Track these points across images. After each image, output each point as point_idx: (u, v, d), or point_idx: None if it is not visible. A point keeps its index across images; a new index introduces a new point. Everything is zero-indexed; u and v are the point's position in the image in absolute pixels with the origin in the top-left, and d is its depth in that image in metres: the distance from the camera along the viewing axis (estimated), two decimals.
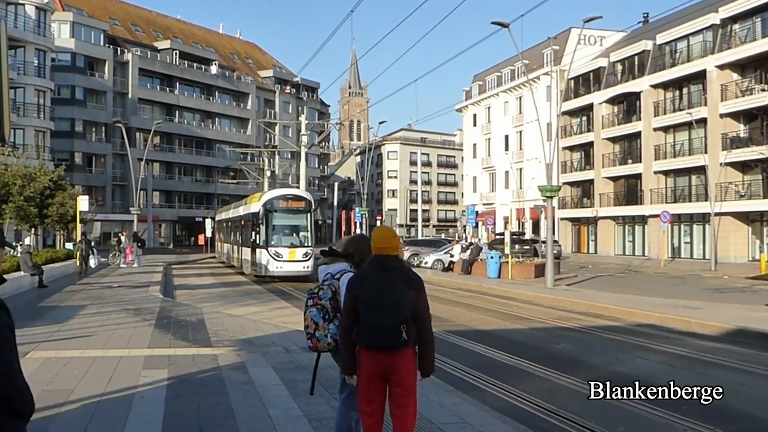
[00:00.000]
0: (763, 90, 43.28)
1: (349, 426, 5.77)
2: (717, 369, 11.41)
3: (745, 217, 45.35)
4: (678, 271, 38.51)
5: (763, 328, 14.52)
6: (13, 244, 31.95)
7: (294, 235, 30.12)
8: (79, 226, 35.46)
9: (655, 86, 52.71)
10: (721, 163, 44.58)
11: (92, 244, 34.99)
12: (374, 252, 5.32)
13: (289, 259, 28.76)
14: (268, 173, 55.43)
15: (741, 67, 46.03)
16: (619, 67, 58.23)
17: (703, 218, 47.25)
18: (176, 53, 78.98)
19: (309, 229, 30.30)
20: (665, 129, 52.39)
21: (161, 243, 76.66)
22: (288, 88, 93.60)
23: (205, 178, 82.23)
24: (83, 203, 34.84)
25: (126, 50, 73.42)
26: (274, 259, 28.80)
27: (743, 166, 44.78)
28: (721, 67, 46.23)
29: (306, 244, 29.70)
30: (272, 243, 29.21)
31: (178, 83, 78.38)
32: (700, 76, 48.43)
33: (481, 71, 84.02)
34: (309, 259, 28.96)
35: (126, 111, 71.68)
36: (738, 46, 45.41)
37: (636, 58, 55.78)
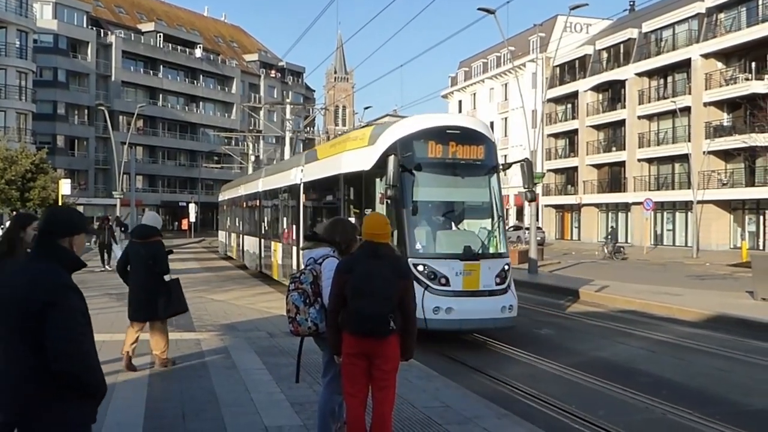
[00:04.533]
0: (747, 79, 43.51)
1: (333, 410, 5.79)
2: (697, 354, 11.54)
3: (727, 205, 45.70)
4: (660, 258, 38.78)
5: (742, 315, 14.67)
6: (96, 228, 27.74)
7: (466, 226, 13.25)
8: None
9: (640, 74, 52.87)
10: (704, 152, 44.85)
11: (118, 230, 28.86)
12: (365, 238, 5.33)
13: (465, 288, 11.96)
14: (252, 158, 55.26)
15: (725, 56, 46.23)
16: (605, 54, 58.34)
17: (686, 206, 47.54)
18: (160, 36, 78.25)
19: (496, 210, 13.20)
20: (649, 117, 52.60)
21: None
22: (273, 72, 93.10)
23: (188, 163, 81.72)
24: (65, 187, 34.59)
25: (109, 32, 72.66)
26: (430, 290, 11.67)
27: (726, 155, 45.05)
28: (706, 56, 46.43)
29: (495, 248, 12.76)
30: (418, 249, 12.19)
31: (162, 66, 77.69)
32: (684, 65, 48.62)
33: (467, 57, 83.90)
34: (507, 285, 12.32)
35: (109, 94, 71.01)
36: (723, 35, 45.58)
37: (621, 46, 55.89)
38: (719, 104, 46.11)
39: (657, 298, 17.55)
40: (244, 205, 29.18)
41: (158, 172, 78.88)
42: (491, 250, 12.44)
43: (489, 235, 12.56)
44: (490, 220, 13.02)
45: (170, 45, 79.01)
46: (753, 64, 43.57)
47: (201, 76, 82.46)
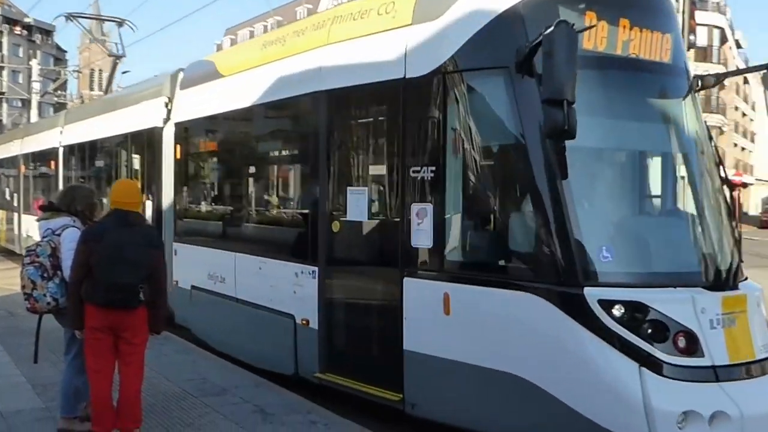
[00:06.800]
0: None
1: (77, 388, 5.51)
2: None
3: None
4: None
5: None
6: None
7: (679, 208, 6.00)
8: None
9: None
10: None
11: None
12: (114, 206, 5.12)
13: (734, 359, 4.83)
14: None
15: None
16: None
17: None
18: None
19: (718, 168, 5.99)
20: None
21: None
22: (18, 29, 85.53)
23: None
24: None
25: None
26: (656, 365, 4.59)
27: None
28: None
29: (738, 259, 5.53)
30: (601, 263, 4.90)
31: None
32: None
33: (234, 25, 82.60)
34: None
35: None
36: None
37: None
38: None
39: None
40: (25, 170, 19.36)
41: None
42: (737, 264, 5.68)
43: (725, 231, 5.83)
44: (713, 192, 5.94)
45: None
46: None
47: None
